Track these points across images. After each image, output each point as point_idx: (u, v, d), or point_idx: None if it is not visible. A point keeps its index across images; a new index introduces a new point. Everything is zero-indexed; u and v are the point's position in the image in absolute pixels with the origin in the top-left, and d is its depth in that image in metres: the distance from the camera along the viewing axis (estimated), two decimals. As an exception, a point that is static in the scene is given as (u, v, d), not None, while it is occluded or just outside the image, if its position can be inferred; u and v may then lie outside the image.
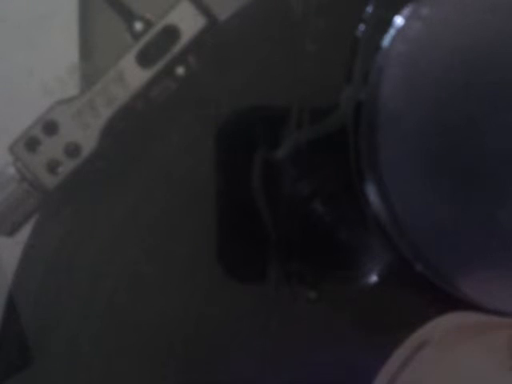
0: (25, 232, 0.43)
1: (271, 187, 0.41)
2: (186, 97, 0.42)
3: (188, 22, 0.41)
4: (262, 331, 0.41)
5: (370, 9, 0.39)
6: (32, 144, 0.41)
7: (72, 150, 0.41)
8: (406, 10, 0.38)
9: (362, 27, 0.39)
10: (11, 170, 0.42)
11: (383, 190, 0.38)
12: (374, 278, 0.40)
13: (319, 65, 0.40)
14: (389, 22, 0.38)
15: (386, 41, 0.38)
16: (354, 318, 0.40)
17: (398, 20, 0.38)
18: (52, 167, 0.41)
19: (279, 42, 0.41)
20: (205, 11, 0.41)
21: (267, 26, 0.41)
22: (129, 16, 0.42)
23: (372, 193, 0.39)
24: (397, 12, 0.38)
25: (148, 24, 0.41)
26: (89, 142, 0.41)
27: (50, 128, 0.41)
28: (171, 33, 0.41)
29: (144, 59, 0.41)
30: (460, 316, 0.38)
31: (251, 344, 0.41)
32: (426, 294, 0.39)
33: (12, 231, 0.42)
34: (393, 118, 0.38)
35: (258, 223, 0.41)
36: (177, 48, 0.41)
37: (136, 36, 0.41)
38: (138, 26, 0.41)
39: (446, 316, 0.38)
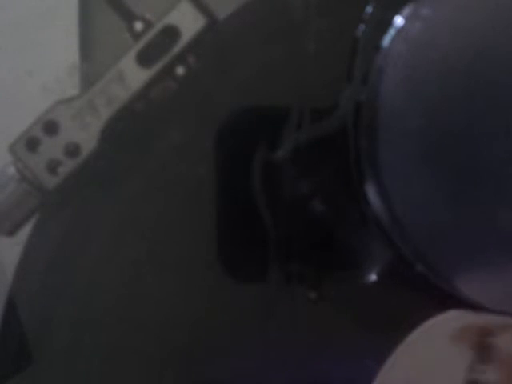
0: (25, 232, 0.43)
1: (271, 187, 0.41)
2: (186, 97, 0.42)
3: (188, 22, 0.41)
4: (262, 331, 0.41)
5: (369, 9, 0.39)
6: (32, 144, 0.41)
7: (72, 150, 0.41)
8: (406, 10, 0.38)
9: (361, 27, 0.39)
10: (11, 170, 0.42)
11: (383, 189, 0.38)
12: (373, 278, 0.40)
13: (319, 65, 0.40)
14: (389, 22, 0.38)
15: (386, 41, 0.38)
16: (354, 317, 0.40)
17: (398, 20, 0.38)
18: (52, 167, 0.41)
19: (279, 42, 0.41)
20: (205, 11, 0.41)
21: (267, 25, 0.41)
22: (129, 16, 0.42)
23: (372, 193, 0.39)
24: (397, 12, 0.38)
25: (148, 24, 0.41)
26: (89, 142, 0.41)
27: (50, 128, 0.41)
28: (171, 33, 0.41)
29: (144, 59, 0.41)
30: (459, 315, 0.38)
31: (251, 344, 0.41)
32: (426, 293, 0.39)
33: (12, 231, 0.42)
34: (393, 118, 0.38)
35: (258, 223, 0.41)
36: (177, 48, 0.41)
37: (136, 36, 0.41)
38: (138, 25, 0.41)
39: (445, 314, 0.38)
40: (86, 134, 0.41)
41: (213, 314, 0.42)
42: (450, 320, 0.38)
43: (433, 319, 0.38)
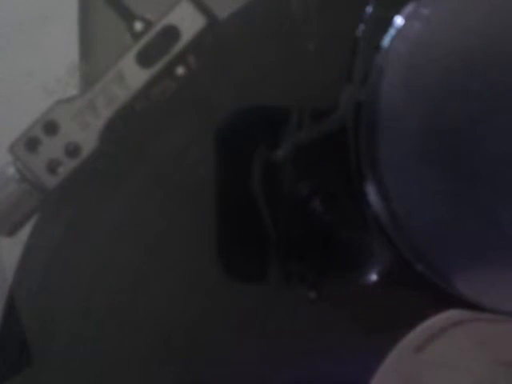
0: (25, 232, 0.43)
1: (271, 187, 0.41)
2: (186, 97, 0.42)
3: (188, 22, 0.41)
4: (262, 331, 0.41)
5: (369, 9, 0.39)
6: (32, 144, 0.41)
7: (72, 150, 0.41)
8: (406, 10, 0.38)
9: (361, 27, 0.39)
10: (11, 170, 0.42)
11: (383, 189, 0.38)
12: (373, 278, 0.40)
13: (319, 65, 0.40)
14: (389, 22, 0.38)
15: (386, 41, 0.38)
16: (354, 317, 0.40)
17: (398, 20, 0.38)
18: (52, 167, 0.41)
19: (279, 42, 0.41)
20: (205, 11, 0.41)
21: (267, 26, 0.41)
22: (129, 16, 0.42)
23: (372, 193, 0.39)
24: (397, 12, 0.38)
25: (148, 24, 0.41)
26: (89, 142, 0.41)
27: (50, 128, 0.41)
28: (171, 33, 0.41)
29: (144, 59, 0.41)
30: (459, 314, 0.38)
31: (251, 344, 0.41)
32: (426, 293, 0.39)
33: (12, 231, 0.42)
34: (393, 118, 0.38)
35: (257, 223, 0.41)
36: (177, 48, 0.41)
37: (136, 36, 0.41)
38: (138, 26, 0.41)
39: (445, 313, 0.38)
40: (86, 134, 0.41)
41: (213, 314, 0.42)
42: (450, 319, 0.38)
43: (433, 318, 0.38)
